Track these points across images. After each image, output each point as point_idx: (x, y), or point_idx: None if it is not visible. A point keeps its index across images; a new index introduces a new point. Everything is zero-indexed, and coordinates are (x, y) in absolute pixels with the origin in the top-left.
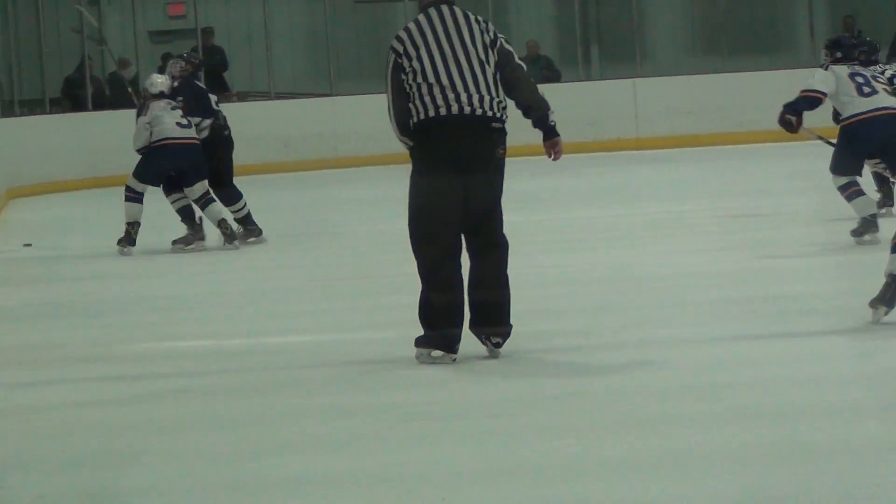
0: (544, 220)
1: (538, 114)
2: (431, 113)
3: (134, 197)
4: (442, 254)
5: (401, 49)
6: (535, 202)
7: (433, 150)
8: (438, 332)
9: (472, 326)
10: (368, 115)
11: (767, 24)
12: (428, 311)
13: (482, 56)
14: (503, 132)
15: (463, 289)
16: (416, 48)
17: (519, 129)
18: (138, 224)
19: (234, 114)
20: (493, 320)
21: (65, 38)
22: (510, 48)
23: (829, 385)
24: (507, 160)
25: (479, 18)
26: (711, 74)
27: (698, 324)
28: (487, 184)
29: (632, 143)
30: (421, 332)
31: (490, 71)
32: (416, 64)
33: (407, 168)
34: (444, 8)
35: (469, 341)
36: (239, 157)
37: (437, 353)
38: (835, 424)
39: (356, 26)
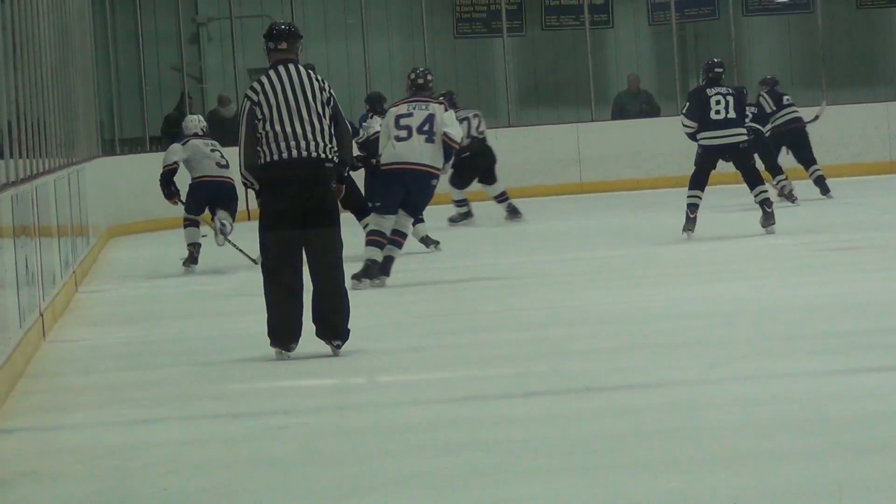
0: (640, 254)
1: (343, 167)
2: (276, 157)
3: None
4: (289, 274)
5: (255, 98)
6: (634, 236)
7: (279, 185)
8: (279, 338)
9: (318, 334)
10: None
11: (866, 56)
12: (273, 323)
13: (320, 110)
14: (334, 171)
15: (302, 302)
16: (268, 99)
17: (630, 165)
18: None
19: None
20: (335, 330)
21: (165, 77)
22: (339, 108)
23: None
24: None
25: (319, 77)
26: (810, 107)
27: (799, 357)
28: (325, 210)
29: (732, 176)
30: None
31: (326, 122)
32: (266, 112)
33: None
34: (291, 66)
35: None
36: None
37: (281, 351)
38: None
39: (455, 62)
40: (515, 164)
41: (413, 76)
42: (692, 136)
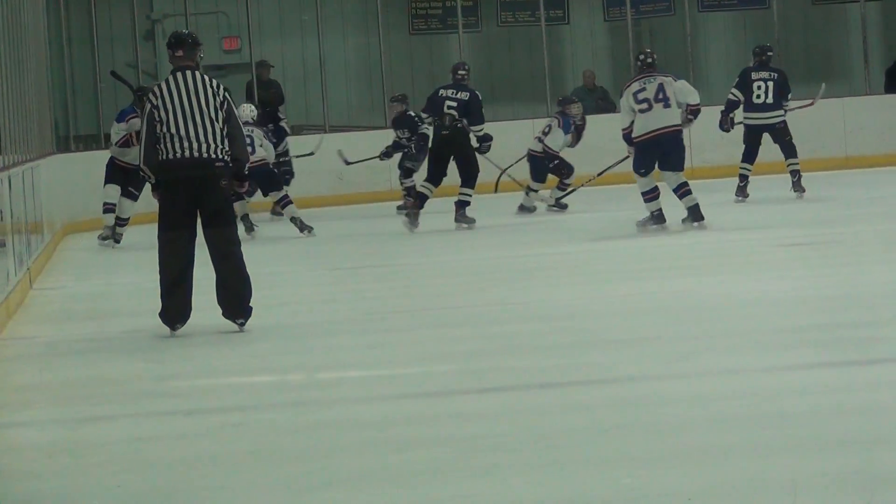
0: (600, 250)
1: (240, 163)
2: (171, 156)
3: None
4: (177, 262)
5: (155, 101)
6: (591, 231)
7: (173, 182)
8: (168, 318)
9: (224, 315)
10: None
11: (821, 52)
12: (163, 304)
13: (212, 115)
14: (225, 169)
15: (190, 288)
16: (165, 103)
17: (586, 161)
18: None
19: (289, 147)
20: (237, 309)
21: (120, 74)
22: (235, 110)
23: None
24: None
25: (214, 83)
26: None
27: (759, 353)
28: (217, 206)
29: (687, 172)
30: None
31: (218, 126)
32: (163, 116)
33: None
34: (188, 73)
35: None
36: (294, 189)
37: (171, 330)
38: None
39: (410, 58)
40: None
41: (642, 57)
42: (732, 105)
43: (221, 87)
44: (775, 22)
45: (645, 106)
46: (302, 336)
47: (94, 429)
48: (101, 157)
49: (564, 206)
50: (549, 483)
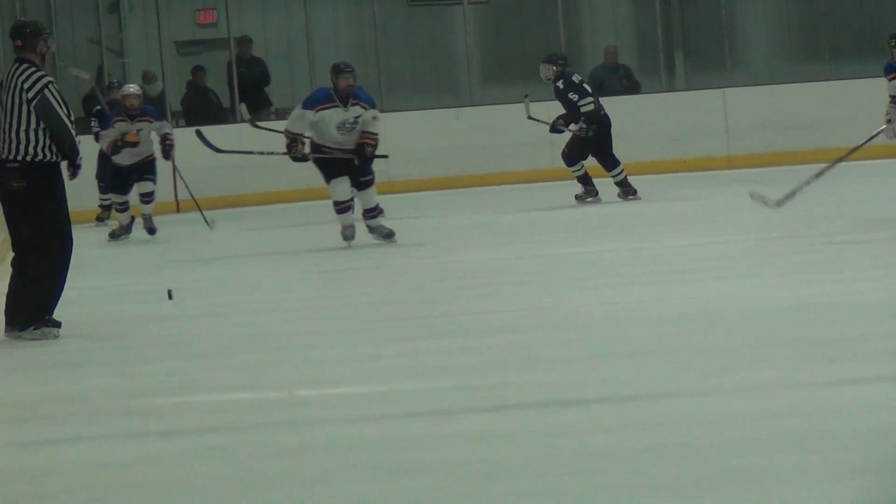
0: (623, 250)
1: (71, 158)
2: None
3: None
4: None
5: None
6: (614, 228)
7: None
8: None
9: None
10: (423, 135)
11: (874, 24)
12: None
13: (17, 111)
14: (18, 170)
15: None
16: None
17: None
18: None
19: (273, 133)
20: (17, 318)
21: (81, 51)
22: (48, 106)
23: None
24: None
25: (34, 76)
26: (811, 83)
27: (802, 365)
28: (12, 208)
29: (722, 161)
30: None
31: (23, 124)
32: None
33: (466, 193)
34: (16, 65)
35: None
36: (282, 181)
37: None
38: None
39: (409, 33)
40: (479, 147)
41: None
42: None
43: (41, 80)
44: None
45: None
46: (284, 348)
47: (53, 453)
48: None
49: None
50: None
